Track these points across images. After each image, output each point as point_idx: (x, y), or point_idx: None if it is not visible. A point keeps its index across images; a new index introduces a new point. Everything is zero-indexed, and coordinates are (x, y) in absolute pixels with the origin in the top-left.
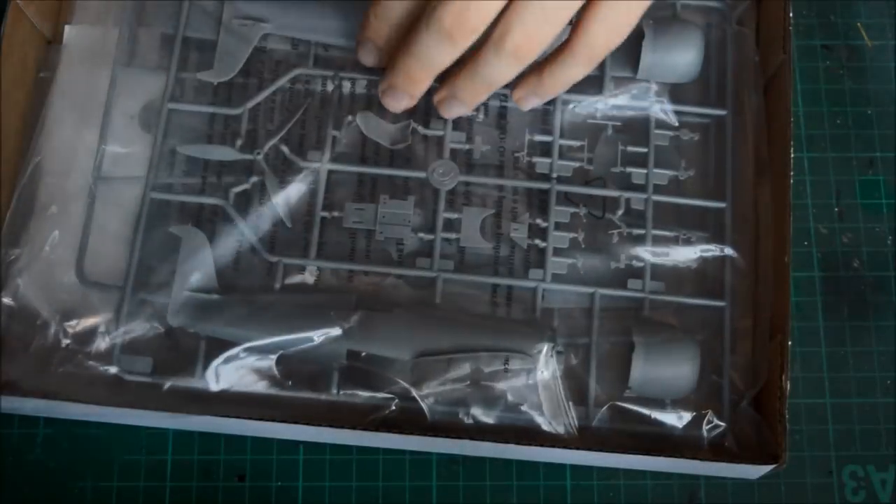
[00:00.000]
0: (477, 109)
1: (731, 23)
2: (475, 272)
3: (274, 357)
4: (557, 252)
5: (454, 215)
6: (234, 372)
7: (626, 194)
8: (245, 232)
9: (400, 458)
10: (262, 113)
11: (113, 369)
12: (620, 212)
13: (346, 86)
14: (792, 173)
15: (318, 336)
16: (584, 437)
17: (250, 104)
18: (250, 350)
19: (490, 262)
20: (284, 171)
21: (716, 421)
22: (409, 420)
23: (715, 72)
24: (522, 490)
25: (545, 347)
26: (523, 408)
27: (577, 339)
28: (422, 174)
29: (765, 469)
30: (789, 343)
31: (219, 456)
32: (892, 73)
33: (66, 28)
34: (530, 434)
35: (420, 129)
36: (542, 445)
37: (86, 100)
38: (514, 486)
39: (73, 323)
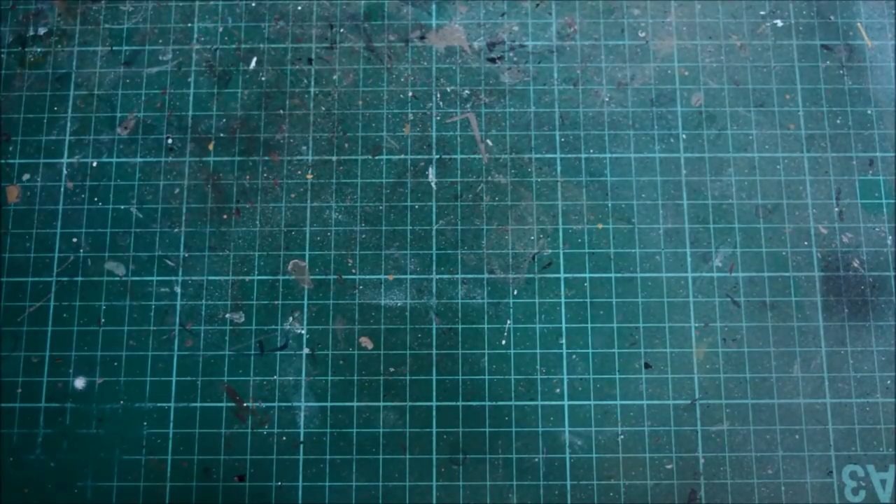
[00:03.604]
0: None
1: None
2: None
3: None
4: None
5: None
6: None
7: None
8: None
9: (400, 459)
10: None
11: None
12: None
13: None
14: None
15: None
16: None
17: None
18: None
19: None
20: None
21: None
22: None
23: None
24: (522, 490)
25: None
26: None
27: None
28: None
29: None
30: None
31: (219, 456)
32: (892, 73)
33: None
34: None
35: None
36: None
37: None
38: (514, 486)
39: None
